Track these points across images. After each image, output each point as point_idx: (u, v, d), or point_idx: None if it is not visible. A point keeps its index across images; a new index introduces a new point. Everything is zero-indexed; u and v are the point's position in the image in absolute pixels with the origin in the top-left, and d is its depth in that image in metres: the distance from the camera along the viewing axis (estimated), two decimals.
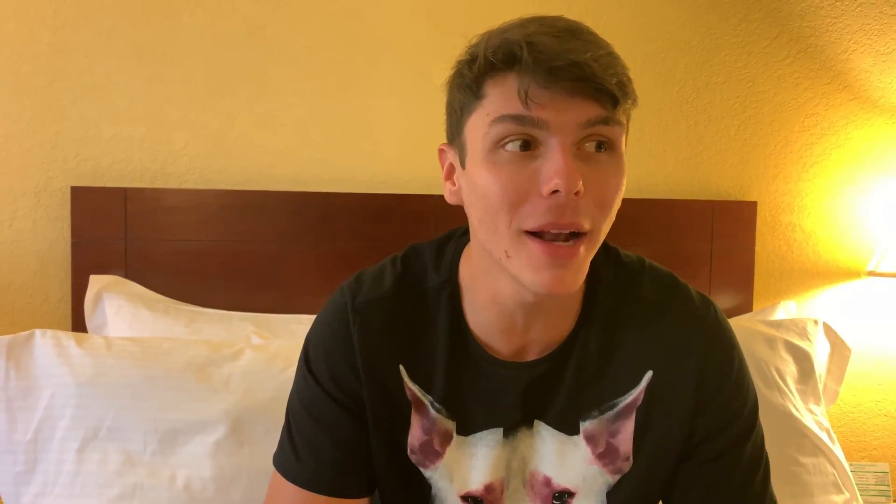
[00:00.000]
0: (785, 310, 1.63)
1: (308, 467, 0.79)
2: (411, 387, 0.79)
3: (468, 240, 0.79)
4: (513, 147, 0.65)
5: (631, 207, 1.63)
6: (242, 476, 1.13)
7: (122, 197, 1.45)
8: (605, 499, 0.79)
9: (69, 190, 1.45)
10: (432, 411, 0.79)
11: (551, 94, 0.64)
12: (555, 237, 0.66)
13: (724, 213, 1.64)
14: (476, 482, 0.79)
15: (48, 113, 1.47)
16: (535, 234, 0.66)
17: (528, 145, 0.65)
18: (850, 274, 1.74)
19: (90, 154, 1.48)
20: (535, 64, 0.63)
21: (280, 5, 1.53)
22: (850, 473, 1.39)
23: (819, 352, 1.47)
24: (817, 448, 1.36)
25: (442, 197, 1.62)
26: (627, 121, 0.70)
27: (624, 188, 0.70)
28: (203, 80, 1.51)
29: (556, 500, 0.79)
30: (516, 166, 0.66)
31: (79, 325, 1.42)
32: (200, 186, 1.51)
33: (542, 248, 0.66)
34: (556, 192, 0.64)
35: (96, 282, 1.40)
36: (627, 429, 0.78)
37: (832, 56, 1.72)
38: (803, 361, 1.42)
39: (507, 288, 0.72)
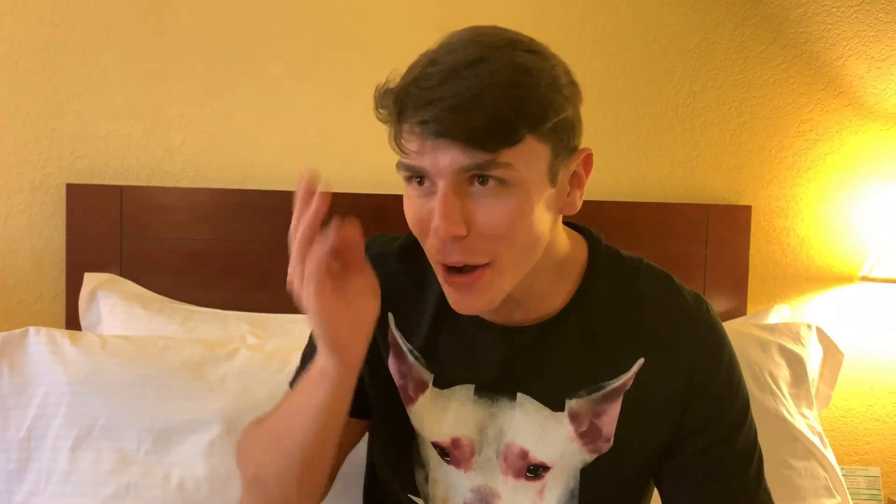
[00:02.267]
0: (778, 314, 1.64)
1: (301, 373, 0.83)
2: (394, 332, 0.84)
3: None
4: (415, 184, 0.70)
5: (626, 211, 1.65)
6: (237, 476, 1.11)
7: (118, 194, 1.44)
8: (578, 476, 0.80)
9: (64, 187, 1.45)
10: (410, 358, 0.83)
11: (423, 143, 0.66)
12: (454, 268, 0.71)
13: (719, 217, 1.65)
14: (443, 434, 0.82)
15: (45, 109, 1.46)
16: None
17: (424, 182, 0.69)
18: (843, 279, 1.75)
19: (86, 151, 1.48)
20: (399, 118, 0.68)
21: (279, 4, 1.52)
22: (841, 477, 1.40)
23: (812, 356, 1.48)
24: (809, 452, 1.36)
25: None
26: (548, 139, 0.68)
27: (533, 212, 0.69)
28: (201, 78, 1.51)
29: (530, 474, 0.80)
30: (421, 201, 0.70)
31: (73, 322, 1.41)
32: (197, 185, 1.51)
33: (444, 275, 0.72)
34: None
35: (91, 280, 1.40)
36: (613, 411, 0.79)
37: (827, 62, 1.73)
38: (796, 365, 1.43)
39: None
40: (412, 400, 0.84)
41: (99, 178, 1.48)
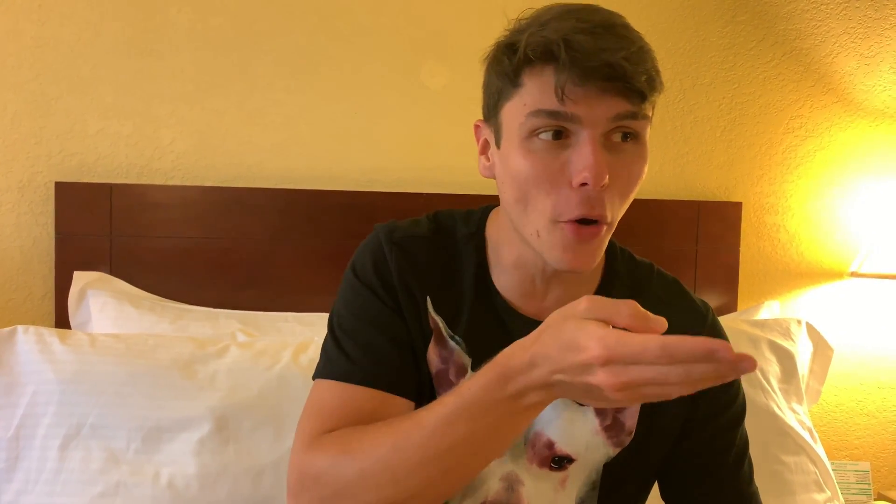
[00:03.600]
0: (769, 310, 1.65)
1: (363, 366, 0.77)
2: (435, 317, 0.82)
3: (494, 207, 0.86)
4: (546, 136, 0.71)
5: None
6: (227, 474, 1.12)
7: (108, 193, 1.43)
8: (601, 469, 0.83)
9: (53, 185, 1.44)
10: (451, 343, 0.82)
11: (585, 91, 0.68)
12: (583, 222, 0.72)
13: (710, 214, 1.66)
14: None
15: (33, 107, 1.45)
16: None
17: (560, 135, 0.70)
18: (833, 275, 1.76)
19: (75, 149, 1.47)
20: (571, 63, 0.68)
21: (269, 2, 1.52)
22: (831, 472, 1.41)
23: (802, 352, 1.49)
24: (799, 447, 1.37)
25: (432, 196, 1.63)
26: (653, 109, 0.75)
27: (645, 174, 0.76)
28: (191, 76, 1.50)
29: (554, 464, 0.82)
30: (549, 155, 0.71)
31: (62, 321, 1.40)
32: (187, 183, 1.50)
33: (573, 229, 0.72)
34: (584, 184, 0.69)
35: (80, 278, 1.39)
36: (634, 405, 0.83)
37: (817, 59, 1.74)
38: (786, 361, 1.44)
39: (529, 254, 0.78)
40: (452, 384, 0.83)
41: (88, 176, 1.47)
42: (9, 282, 1.46)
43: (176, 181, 1.50)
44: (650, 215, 1.62)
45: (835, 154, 1.76)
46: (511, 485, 0.82)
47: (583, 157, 0.69)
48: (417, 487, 0.67)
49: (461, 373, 0.83)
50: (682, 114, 1.69)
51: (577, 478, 0.83)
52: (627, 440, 0.83)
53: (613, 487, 0.83)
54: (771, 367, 1.41)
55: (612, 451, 0.83)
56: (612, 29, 0.70)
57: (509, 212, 0.77)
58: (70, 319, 1.38)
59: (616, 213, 0.74)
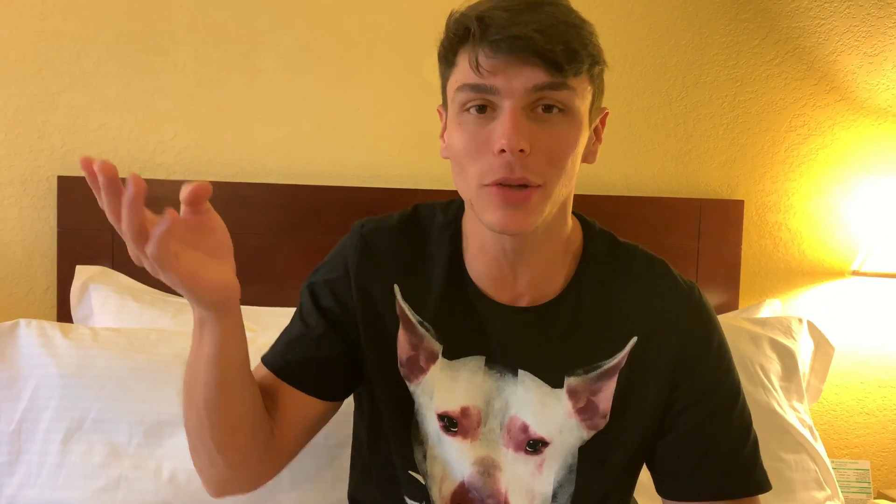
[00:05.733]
0: (770, 308, 1.64)
1: (276, 352, 0.87)
2: (402, 304, 0.85)
3: None
4: (473, 111, 0.74)
5: (619, 205, 1.65)
6: None
7: None
8: (577, 453, 0.83)
9: (56, 179, 1.44)
10: (420, 329, 0.85)
11: (499, 63, 0.71)
12: (509, 186, 0.74)
13: (712, 212, 1.66)
14: (454, 402, 0.83)
15: (36, 102, 1.45)
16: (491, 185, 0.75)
17: (486, 109, 0.74)
18: (834, 273, 1.76)
19: (78, 144, 1.47)
20: (481, 38, 0.72)
21: None
22: (831, 470, 1.41)
23: (803, 350, 1.49)
24: (800, 445, 1.37)
25: (433, 192, 1.63)
26: (593, 82, 0.76)
27: (580, 145, 0.77)
28: (193, 71, 1.50)
29: (530, 448, 0.83)
30: (477, 126, 0.74)
31: (65, 315, 1.41)
32: (189, 178, 1.49)
33: (496, 191, 0.74)
34: (503, 150, 0.71)
35: (83, 272, 1.40)
36: (609, 388, 0.82)
37: (820, 57, 1.74)
38: (787, 359, 1.43)
39: (489, 235, 0.80)
40: (423, 370, 0.84)
41: None
42: (11, 276, 1.46)
43: (177, 176, 1.50)
44: (652, 213, 1.62)
45: (837, 153, 1.75)
46: (487, 470, 0.83)
47: (501, 125, 0.72)
48: (190, 430, 0.79)
49: (432, 359, 0.84)
50: (684, 111, 1.69)
51: (554, 462, 0.83)
52: (602, 423, 0.82)
53: (591, 471, 0.83)
54: (772, 366, 1.41)
55: (587, 435, 0.82)
56: (536, 6, 0.72)
57: (457, 187, 0.80)
58: (72, 313, 1.38)
59: (550, 178, 0.74)
